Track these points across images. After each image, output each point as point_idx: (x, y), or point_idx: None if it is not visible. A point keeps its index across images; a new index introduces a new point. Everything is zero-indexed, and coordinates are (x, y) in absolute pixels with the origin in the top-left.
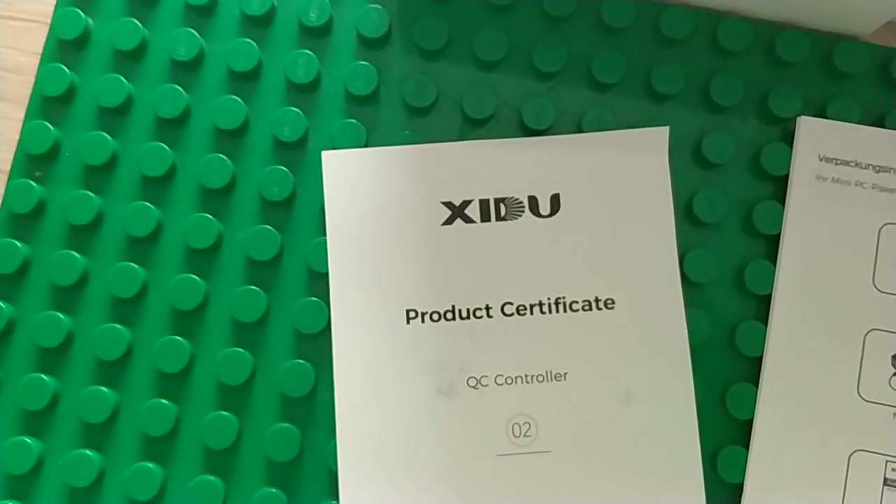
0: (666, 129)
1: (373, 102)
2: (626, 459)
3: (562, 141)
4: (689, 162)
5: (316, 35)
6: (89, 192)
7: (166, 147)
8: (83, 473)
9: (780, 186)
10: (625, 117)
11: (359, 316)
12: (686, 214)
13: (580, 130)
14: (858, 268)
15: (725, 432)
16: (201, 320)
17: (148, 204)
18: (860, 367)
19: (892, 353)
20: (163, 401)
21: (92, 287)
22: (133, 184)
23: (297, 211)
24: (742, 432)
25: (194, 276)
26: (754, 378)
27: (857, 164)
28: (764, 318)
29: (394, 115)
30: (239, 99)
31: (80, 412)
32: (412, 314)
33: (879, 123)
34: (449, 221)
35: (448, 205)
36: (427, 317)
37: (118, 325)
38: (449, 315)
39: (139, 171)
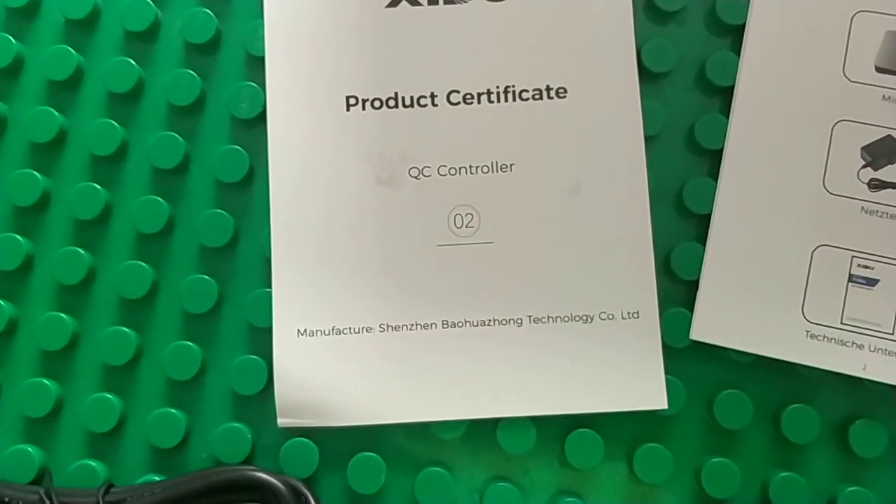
0: None
1: None
2: (572, 252)
3: None
4: None
5: None
6: None
7: None
8: None
9: None
10: None
11: (296, 102)
12: (646, 6)
13: None
14: (828, 57)
15: (682, 228)
16: (136, 105)
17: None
18: (827, 159)
19: (862, 145)
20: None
21: None
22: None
23: None
24: (700, 228)
25: (129, 60)
26: (714, 172)
27: None
28: (726, 111)
29: None
30: None
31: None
32: (352, 101)
33: None
34: (394, 3)
35: None
36: (368, 104)
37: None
38: (391, 102)
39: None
